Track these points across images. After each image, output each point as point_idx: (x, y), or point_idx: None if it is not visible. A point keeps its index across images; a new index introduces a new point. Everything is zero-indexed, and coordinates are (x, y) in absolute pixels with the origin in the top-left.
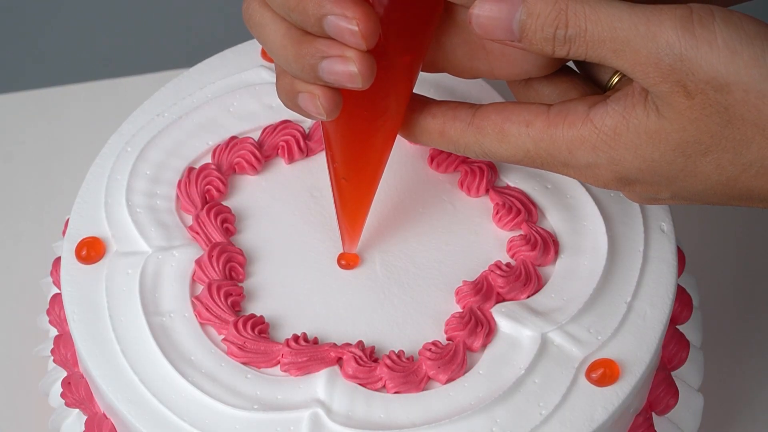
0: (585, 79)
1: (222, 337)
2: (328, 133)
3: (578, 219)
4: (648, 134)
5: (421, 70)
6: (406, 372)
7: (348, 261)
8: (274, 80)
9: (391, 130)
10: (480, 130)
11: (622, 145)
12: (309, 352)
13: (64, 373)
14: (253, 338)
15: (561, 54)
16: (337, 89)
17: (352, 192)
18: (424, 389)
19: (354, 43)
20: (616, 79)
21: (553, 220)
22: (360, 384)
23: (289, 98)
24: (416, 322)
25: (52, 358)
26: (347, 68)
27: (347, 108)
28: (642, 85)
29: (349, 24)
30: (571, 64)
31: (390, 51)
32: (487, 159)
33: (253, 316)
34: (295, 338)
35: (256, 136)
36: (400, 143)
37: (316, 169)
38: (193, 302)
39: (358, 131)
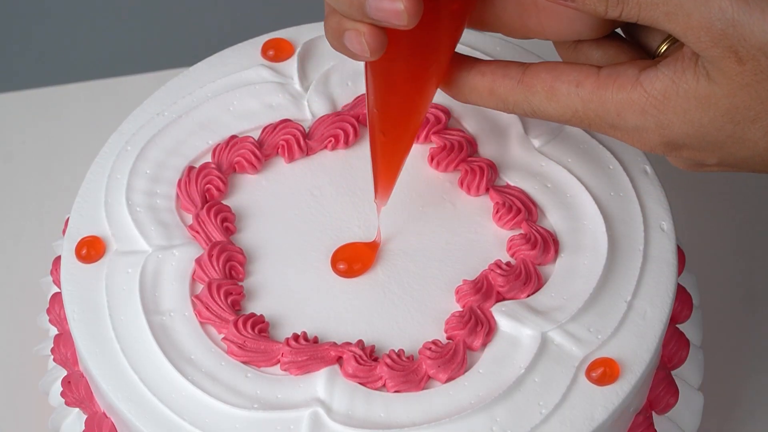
0: (634, 45)
1: (222, 336)
2: (371, 79)
3: (578, 218)
4: (698, 99)
5: (472, 28)
6: (406, 371)
7: (350, 266)
8: (274, 79)
9: (434, 81)
10: (530, 87)
11: (671, 109)
12: (309, 351)
13: (64, 372)
14: (253, 337)
15: (613, 15)
16: (382, 29)
17: (389, 145)
18: (424, 388)
19: None
20: (664, 47)
21: (553, 219)
22: (360, 383)
23: (335, 37)
24: (416, 321)
25: (52, 357)
26: (394, 5)
27: (393, 52)
28: (693, 49)
29: None
30: (619, 31)
31: None
32: (535, 117)
33: (253, 315)
34: (295, 337)
35: (256, 135)
36: None
37: (316, 168)
38: (193, 301)
39: (403, 77)
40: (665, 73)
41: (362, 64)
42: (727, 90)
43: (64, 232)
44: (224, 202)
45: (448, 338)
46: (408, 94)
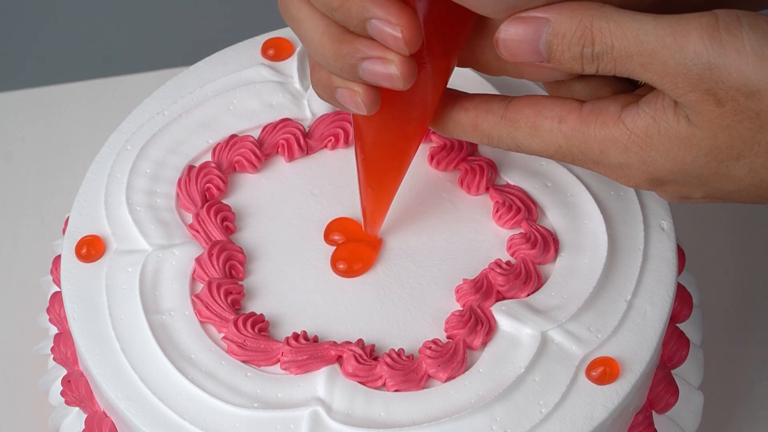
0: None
1: (222, 335)
2: (358, 134)
3: (578, 217)
4: (679, 139)
5: None
6: (406, 370)
7: (350, 266)
8: (274, 79)
9: (420, 133)
10: (513, 123)
11: (653, 148)
12: (309, 351)
13: (64, 372)
14: (253, 336)
15: (590, 71)
16: (377, 87)
17: (376, 194)
18: (424, 387)
19: (397, 48)
20: None
21: (553, 219)
22: (360, 382)
23: (326, 92)
24: (416, 321)
25: (52, 356)
26: (388, 70)
27: (381, 108)
28: (671, 96)
29: (393, 30)
30: None
31: (429, 55)
32: (519, 152)
33: (253, 314)
34: (295, 336)
35: (256, 134)
36: None
37: (316, 167)
38: (193, 300)
39: (391, 131)
40: (646, 111)
41: None
42: (709, 132)
43: (64, 231)
44: (224, 201)
45: (448, 337)
46: (395, 146)
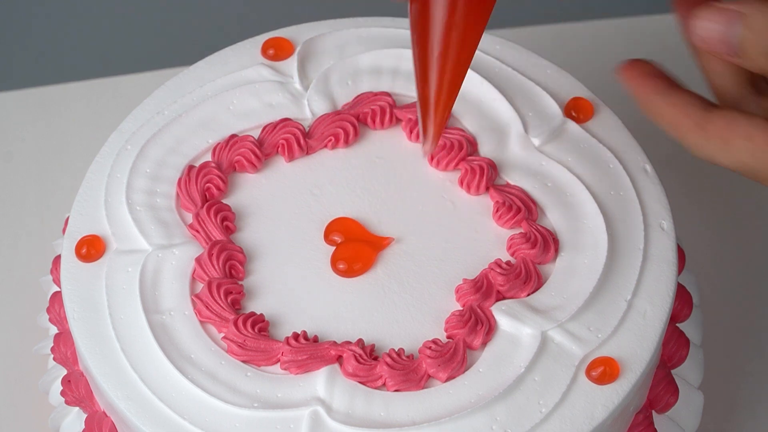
0: None
1: (222, 335)
2: (424, 28)
3: (578, 217)
4: None
5: None
6: (406, 370)
7: (350, 266)
8: (274, 78)
9: (485, 17)
10: (706, 133)
11: None
12: (309, 350)
13: (64, 371)
14: (253, 336)
15: None
16: None
17: (438, 102)
18: (424, 387)
19: None
20: None
21: (553, 218)
22: (360, 382)
23: None
24: (416, 320)
25: (52, 356)
26: None
27: None
28: None
29: None
30: None
31: None
32: (707, 160)
33: (253, 314)
34: (295, 336)
35: (256, 134)
36: (400, 141)
37: (316, 166)
38: (193, 300)
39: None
40: None
41: (359, 64)
42: None
43: (64, 231)
44: (224, 201)
45: (448, 337)
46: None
